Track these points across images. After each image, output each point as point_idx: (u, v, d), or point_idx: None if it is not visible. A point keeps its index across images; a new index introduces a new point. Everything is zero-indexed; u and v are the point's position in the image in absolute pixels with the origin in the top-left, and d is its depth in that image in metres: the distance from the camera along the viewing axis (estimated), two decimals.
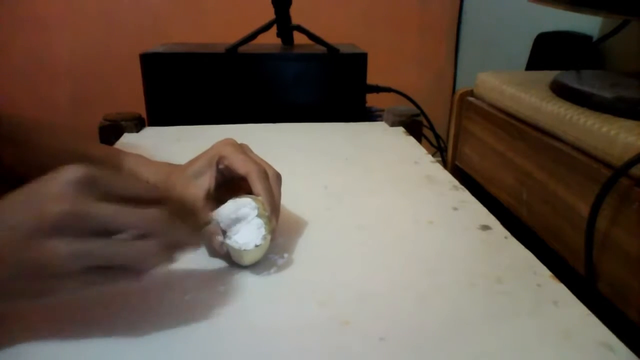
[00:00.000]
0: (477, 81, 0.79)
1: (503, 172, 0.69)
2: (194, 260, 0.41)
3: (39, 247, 0.28)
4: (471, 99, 0.80)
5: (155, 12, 1.51)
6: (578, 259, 0.51)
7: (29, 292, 0.30)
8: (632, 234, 0.45)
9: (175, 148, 0.70)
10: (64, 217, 0.28)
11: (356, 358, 0.31)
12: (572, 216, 0.53)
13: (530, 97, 0.64)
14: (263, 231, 0.39)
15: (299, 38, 0.97)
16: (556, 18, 1.07)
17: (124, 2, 1.50)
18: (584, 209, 0.50)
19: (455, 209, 0.53)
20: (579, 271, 0.51)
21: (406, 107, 0.89)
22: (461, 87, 0.84)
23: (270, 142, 0.67)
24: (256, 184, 0.41)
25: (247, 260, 0.40)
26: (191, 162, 0.46)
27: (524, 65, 1.13)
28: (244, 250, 0.39)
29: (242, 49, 0.89)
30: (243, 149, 0.44)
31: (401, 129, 0.82)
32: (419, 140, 0.81)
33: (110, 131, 0.79)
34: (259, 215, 0.39)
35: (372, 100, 0.95)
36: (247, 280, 0.39)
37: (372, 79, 0.92)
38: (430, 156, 0.69)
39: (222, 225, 0.40)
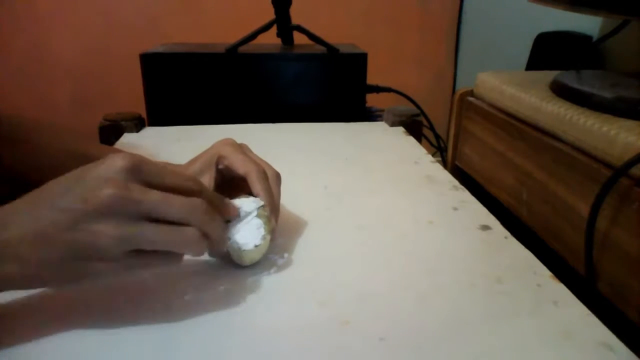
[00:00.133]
0: (477, 81, 0.79)
1: (503, 172, 0.69)
2: (194, 260, 0.41)
3: (87, 229, 0.29)
4: (471, 99, 0.80)
5: (155, 12, 1.52)
6: (578, 259, 0.51)
7: (74, 274, 0.30)
8: (632, 234, 0.45)
9: (175, 148, 0.70)
10: (113, 201, 0.29)
11: (356, 358, 0.31)
12: (572, 216, 0.53)
13: (530, 97, 0.64)
14: (262, 231, 0.39)
15: (299, 38, 0.97)
16: (556, 18, 1.07)
17: (124, 2, 1.50)
18: (584, 209, 0.50)
19: (455, 209, 0.53)
20: (579, 271, 0.51)
21: (406, 107, 0.89)
22: (461, 87, 0.84)
23: (270, 142, 0.67)
24: (255, 184, 0.41)
25: (247, 260, 0.40)
26: (191, 162, 0.46)
27: (524, 65, 1.13)
28: (244, 250, 0.39)
29: (242, 49, 0.89)
30: (242, 149, 0.44)
31: (401, 129, 0.82)
32: (419, 140, 0.81)
33: (110, 131, 0.79)
34: (258, 216, 0.39)
35: (372, 100, 0.95)
36: (247, 280, 0.39)
37: (372, 79, 0.92)
38: (430, 156, 0.69)
39: None
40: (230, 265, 0.41)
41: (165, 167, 0.34)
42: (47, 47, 1.51)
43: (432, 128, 1.01)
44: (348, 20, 1.59)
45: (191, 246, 0.33)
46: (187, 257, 0.40)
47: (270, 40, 0.97)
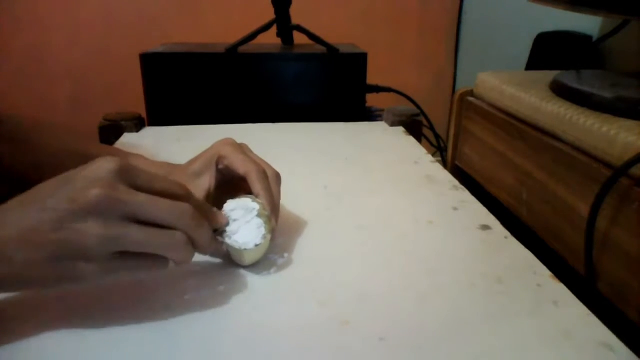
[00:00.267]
0: (477, 81, 0.79)
1: (503, 172, 0.69)
2: (194, 260, 0.41)
3: (73, 229, 0.29)
4: (471, 99, 0.80)
5: (155, 12, 1.51)
6: (578, 259, 0.51)
7: (60, 275, 0.30)
8: (632, 234, 0.45)
9: (175, 148, 0.70)
10: (100, 201, 0.29)
11: (356, 358, 0.31)
12: (572, 216, 0.53)
13: (530, 97, 0.64)
14: (263, 231, 0.39)
15: (299, 38, 0.97)
16: (556, 18, 1.07)
17: (124, 2, 1.50)
18: (584, 209, 0.50)
19: (455, 209, 0.53)
20: (579, 271, 0.51)
21: (406, 107, 0.89)
22: (461, 87, 0.84)
23: (270, 142, 0.67)
24: (255, 184, 0.41)
25: (247, 260, 0.40)
26: (191, 162, 0.46)
27: (524, 65, 1.13)
28: (244, 250, 0.39)
29: (242, 49, 0.89)
30: (242, 149, 0.44)
31: (401, 129, 0.82)
32: (419, 140, 0.80)
33: (110, 131, 0.79)
34: (258, 215, 0.39)
35: (372, 100, 0.95)
36: (247, 280, 0.39)
37: (372, 79, 0.92)
38: (430, 156, 0.69)
39: None
40: (230, 265, 0.41)
41: (154, 173, 0.34)
42: (47, 47, 1.51)
43: (432, 128, 1.01)
44: (348, 20, 1.59)
45: (177, 250, 0.32)
46: None
47: (270, 40, 0.97)
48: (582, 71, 0.68)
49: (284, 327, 0.34)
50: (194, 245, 0.34)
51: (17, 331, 0.33)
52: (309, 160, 0.67)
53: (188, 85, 0.87)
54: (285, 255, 0.42)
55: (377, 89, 0.95)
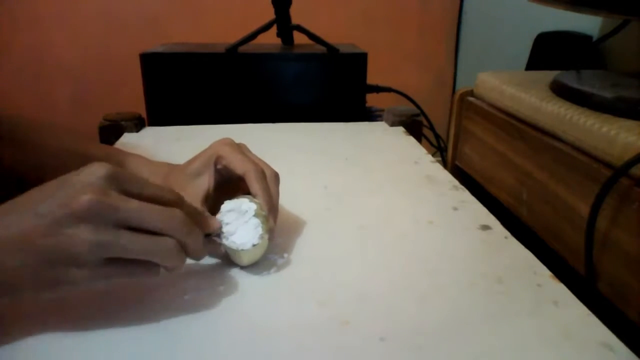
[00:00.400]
0: (477, 81, 0.79)
1: (503, 172, 0.69)
2: (194, 260, 0.41)
3: (64, 234, 0.29)
4: (471, 99, 0.80)
5: (155, 12, 1.51)
6: (578, 259, 0.51)
7: (50, 281, 0.30)
8: (632, 234, 0.45)
9: (175, 148, 0.70)
10: (91, 206, 0.29)
11: (356, 358, 0.31)
12: (572, 216, 0.53)
13: (530, 97, 0.64)
14: (260, 230, 0.39)
15: (299, 38, 0.97)
16: (556, 18, 1.07)
17: (124, 2, 1.50)
18: (584, 209, 0.50)
19: (455, 209, 0.53)
20: (579, 271, 0.51)
21: (406, 107, 0.89)
22: (461, 87, 0.84)
23: (269, 142, 0.67)
24: (253, 184, 0.41)
25: (246, 260, 0.40)
26: (189, 162, 0.46)
27: (524, 65, 1.13)
28: (242, 250, 0.38)
29: (242, 49, 0.89)
30: (241, 149, 0.44)
31: (401, 129, 0.82)
32: (419, 140, 0.80)
33: (110, 131, 0.79)
34: (256, 215, 0.39)
35: (372, 100, 0.95)
36: (247, 280, 0.39)
37: (372, 79, 0.92)
38: (430, 156, 0.69)
39: None
40: (230, 265, 0.41)
41: (145, 179, 0.34)
42: (47, 47, 1.51)
43: (432, 128, 1.01)
44: (348, 20, 1.59)
45: (168, 257, 0.32)
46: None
47: (270, 40, 0.97)
48: (582, 71, 0.68)
49: (284, 327, 0.34)
50: (186, 252, 0.34)
51: (16, 331, 0.33)
52: (309, 160, 0.67)
53: (188, 85, 0.87)
54: (285, 255, 0.42)
55: (377, 89, 0.95)
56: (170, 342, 0.32)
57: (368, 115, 0.94)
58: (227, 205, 0.40)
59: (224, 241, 0.39)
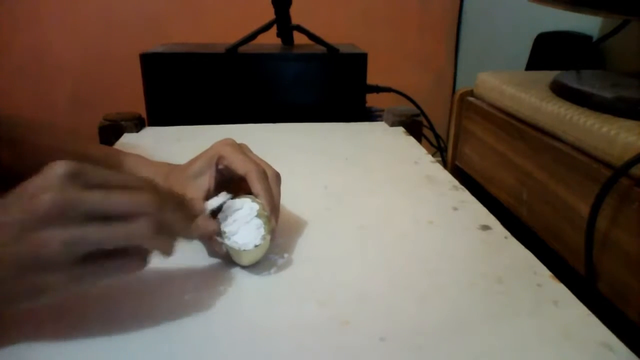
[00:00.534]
0: (477, 81, 0.79)
1: (503, 172, 0.69)
2: (194, 260, 0.41)
3: (30, 240, 0.28)
4: (471, 99, 0.80)
5: (155, 12, 1.51)
6: (578, 259, 0.51)
7: (25, 291, 0.29)
8: (632, 234, 0.45)
9: (175, 148, 0.70)
10: (54, 206, 0.28)
11: (356, 358, 0.31)
12: (572, 216, 0.53)
13: (530, 97, 0.64)
14: (262, 231, 0.39)
15: (299, 38, 0.97)
16: (556, 18, 1.07)
17: (124, 2, 1.50)
18: (584, 209, 0.50)
19: (455, 209, 0.53)
20: (579, 271, 0.51)
21: (406, 107, 0.89)
22: (461, 87, 0.84)
23: (270, 142, 0.67)
24: (255, 184, 0.41)
25: (247, 260, 0.40)
26: (190, 162, 0.46)
27: (524, 65, 1.13)
28: (244, 250, 0.38)
29: (242, 49, 0.89)
30: (242, 149, 0.44)
31: (401, 129, 0.82)
32: (419, 140, 0.80)
33: (110, 131, 0.79)
34: (258, 216, 0.39)
35: (372, 100, 0.95)
36: (247, 280, 0.39)
37: (372, 79, 0.92)
38: (430, 156, 0.69)
39: (221, 225, 0.40)
40: (230, 265, 0.41)
41: (109, 169, 0.33)
42: (47, 47, 1.51)
43: (432, 128, 1.01)
44: (348, 20, 1.59)
45: (145, 237, 0.30)
46: (187, 257, 0.40)
47: (270, 40, 0.97)
48: (582, 71, 0.68)
49: (284, 327, 0.34)
50: (167, 230, 0.32)
51: (15, 332, 0.33)
52: (309, 160, 0.67)
53: (188, 85, 0.87)
54: (285, 255, 0.42)
55: (377, 89, 0.95)
56: (170, 342, 0.32)
57: (368, 115, 0.94)
58: (228, 205, 0.40)
59: (226, 241, 0.39)
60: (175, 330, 0.33)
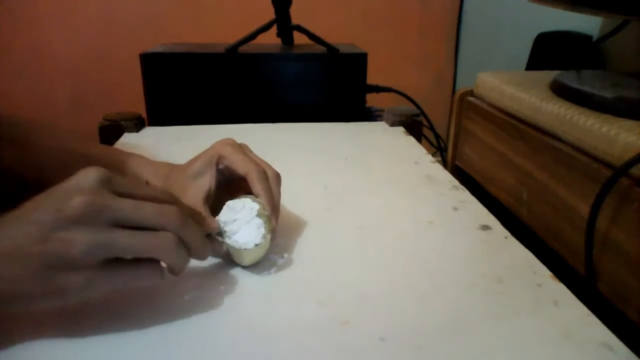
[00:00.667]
0: (477, 81, 0.79)
1: (503, 172, 0.69)
2: (194, 260, 0.41)
3: (59, 239, 0.29)
4: (471, 99, 0.80)
5: (155, 12, 1.51)
6: (578, 259, 0.51)
7: (50, 288, 0.30)
8: (632, 234, 0.45)
9: (175, 148, 0.70)
10: (84, 209, 0.29)
11: (356, 358, 0.31)
12: (572, 216, 0.53)
13: (530, 97, 0.64)
14: (263, 230, 0.39)
15: (299, 38, 0.97)
16: (556, 18, 1.07)
17: (124, 2, 1.50)
18: (584, 209, 0.50)
19: (455, 209, 0.53)
20: (579, 271, 0.51)
21: (406, 107, 0.89)
22: (461, 87, 0.84)
23: (270, 142, 0.67)
24: (255, 184, 0.41)
25: (247, 259, 0.40)
26: (190, 162, 0.46)
27: (524, 65, 1.13)
28: (244, 249, 0.39)
29: (242, 49, 0.89)
30: (242, 149, 0.44)
31: (401, 129, 0.82)
32: (419, 140, 0.81)
33: (110, 131, 0.79)
34: (258, 215, 0.39)
35: (372, 100, 0.95)
36: (247, 280, 0.39)
37: (372, 79, 0.92)
38: (430, 156, 0.69)
39: (221, 224, 0.40)
40: (230, 265, 0.41)
41: (137, 181, 0.34)
42: (47, 47, 1.51)
43: (432, 128, 1.01)
44: (348, 20, 1.59)
45: (167, 251, 0.32)
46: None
47: (270, 40, 0.97)
48: (582, 71, 0.68)
49: (284, 327, 0.34)
50: (187, 248, 0.33)
51: (16, 333, 0.33)
52: (309, 160, 0.67)
53: (188, 85, 0.87)
54: (285, 255, 0.42)
55: (377, 89, 0.95)
56: (170, 342, 0.32)
57: (368, 115, 0.94)
58: (229, 204, 0.40)
59: (227, 240, 0.39)
60: (175, 330, 0.33)
